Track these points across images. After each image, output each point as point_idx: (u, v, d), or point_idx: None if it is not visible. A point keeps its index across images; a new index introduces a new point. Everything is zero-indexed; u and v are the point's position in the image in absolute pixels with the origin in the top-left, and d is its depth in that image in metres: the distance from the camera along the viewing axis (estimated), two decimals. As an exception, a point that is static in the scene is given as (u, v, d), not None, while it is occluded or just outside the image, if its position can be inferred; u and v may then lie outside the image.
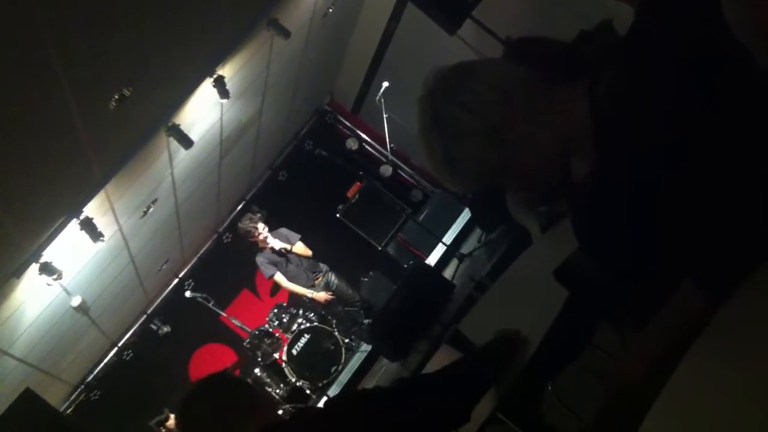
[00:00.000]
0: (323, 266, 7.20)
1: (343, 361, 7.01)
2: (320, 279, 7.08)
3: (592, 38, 2.55)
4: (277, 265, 6.95)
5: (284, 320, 6.99)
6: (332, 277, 7.15)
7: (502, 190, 2.70)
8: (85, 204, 3.82)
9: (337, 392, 6.74)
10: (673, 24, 1.49)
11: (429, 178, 7.83)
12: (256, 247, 7.01)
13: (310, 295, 7.01)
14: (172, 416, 6.87)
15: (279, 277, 6.96)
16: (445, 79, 1.62)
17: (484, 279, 4.82)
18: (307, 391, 6.95)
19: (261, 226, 6.91)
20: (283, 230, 7.11)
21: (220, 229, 7.93)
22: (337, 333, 7.01)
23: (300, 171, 8.14)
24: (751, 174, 1.43)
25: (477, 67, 1.64)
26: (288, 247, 6.96)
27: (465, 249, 6.56)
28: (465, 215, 6.94)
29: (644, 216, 1.55)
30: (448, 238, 6.87)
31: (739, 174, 1.45)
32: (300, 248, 7.07)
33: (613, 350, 2.33)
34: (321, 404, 6.47)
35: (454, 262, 6.52)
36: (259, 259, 6.95)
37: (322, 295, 7.04)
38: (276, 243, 6.93)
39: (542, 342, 2.32)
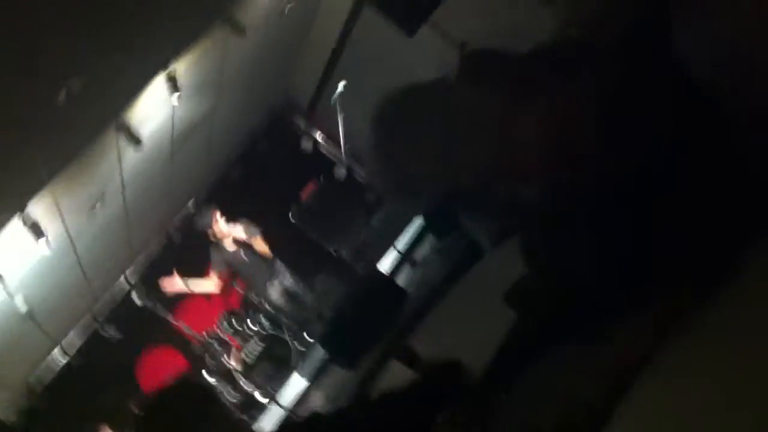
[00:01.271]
0: (280, 266, 7.07)
1: (296, 367, 6.94)
2: (275, 283, 6.97)
3: (548, 53, 2.51)
4: (231, 265, 6.84)
5: (236, 326, 6.88)
6: (287, 278, 7.04)
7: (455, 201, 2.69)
8: (28, 202, 3.68)
9: (290, 399, 6.66)
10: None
11: (383, 185, 7.77)
12: (208, 246, 6.88)
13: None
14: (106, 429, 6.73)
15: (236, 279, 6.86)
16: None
17: (437, 286, 4.82)
18: (260, 399, 6.85)
19: (219, 219, 6.77)
20: (243, 222, 6.97)
21: (171, 229, 7.76)
22: (289, 339, 6.92)
23: (254, 171, 8.00)
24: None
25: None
26: (245, 238, 6.81)
27: (418, 255, 6.54)
28: (419, 221, 6.93)
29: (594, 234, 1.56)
30: (402, 242, 6.84)
31: None
32: (258, 243, 6.92)
33: (564, 369, 2.33)
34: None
35: (407, 269, 6.49)
36: (214, 254, 6.83)
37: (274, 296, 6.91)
38: (235, 232, 6.77)
39: (494, 356, 2.33)
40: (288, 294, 7.01)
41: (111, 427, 6.74)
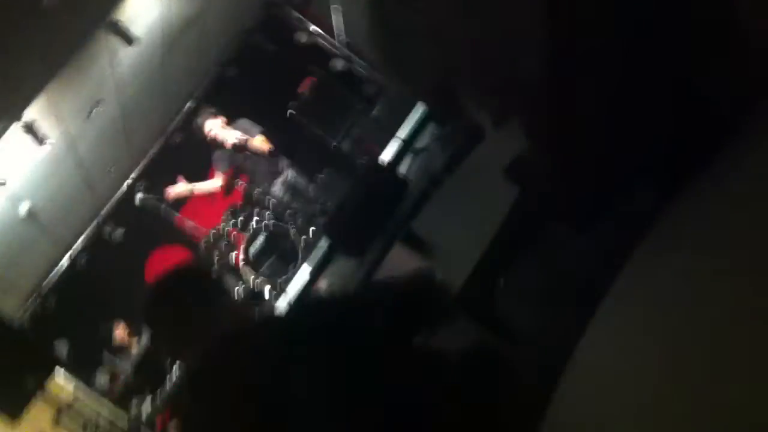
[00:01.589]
0: (282, 163, 7.03)
1: (300, 258, 7.00)
2: (280, 180, 6.96)
3: None
4: (234, 162, 6.82)
5: (239, 221, 6.91)
6: (290, 174, 7.02)
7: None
8: (25, 107, 3.64)
9: (295, 291, 6.76)
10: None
11: (383, 72, 7.62)
12: (209, 146, 6.82)
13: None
14: (120, 325, 6.88)
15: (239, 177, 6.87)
16: None
17: (438, 174, 4.81)
18: (266, 291, 6.96)
19: (218, 120, 6.70)
20: (244, 121, 6.88)
21: (170, 130, 7.68)
22: (292, 231, 6.96)
23: (249, 66, 7.81)
24: None
25: None
26: (246, 138, 6.75)
27: (419, 143, 6.49)
28: (419, 109, 6.84)
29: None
30: (403, 132, 6.77)
31: None
32: (259, 141, 6.85)
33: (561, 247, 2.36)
34: (282, 309, 6.52)
35: (408, 157, 6.45)
36: (216, 155, 6.80)
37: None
38: (235, 133, 6.71)
39: (494, 237, 2.34)
40: (291, 189, 7.01)
41: (126, 327, 6.91)
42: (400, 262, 3.73)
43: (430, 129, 6.43)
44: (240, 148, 6.72)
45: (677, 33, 1.64)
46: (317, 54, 7.72)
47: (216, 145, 6.75)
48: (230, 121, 6.77)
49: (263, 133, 6.87)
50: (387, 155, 6.83)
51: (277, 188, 6.94)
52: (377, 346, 1.84)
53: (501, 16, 1.59)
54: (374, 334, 1.87)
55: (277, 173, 6.94)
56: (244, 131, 6.77)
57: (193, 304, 2.00)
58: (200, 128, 6.70)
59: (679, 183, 1.90)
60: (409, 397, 1.71)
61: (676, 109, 1.76)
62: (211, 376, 1.84)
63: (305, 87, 6.94)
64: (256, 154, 6.84)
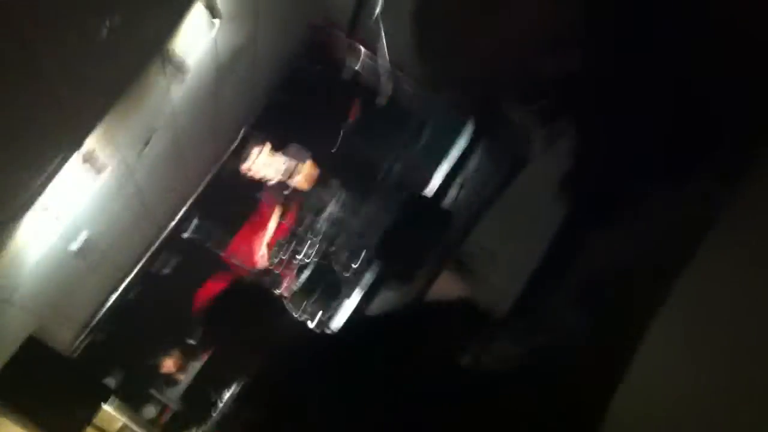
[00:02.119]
0: (328, 193, 7.06)
1: (343, 293, 7.01)
2: (328, 209, 6.98)
3: None
4: (281, 196, 6.88)
5: (284, 257, 6.96)
6: (337, 205, 7.03)
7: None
8: (85, 137, 3.67)
9: (339, 325, 6.76)
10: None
11: (430, 96, 7.60)
12: (258, 181, 6.88)
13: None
14: (168, 359, 6.90)
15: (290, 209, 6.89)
16: None
17: (485, 200, 4.78)
18: (310, 326, 6.95)
19: (264, 149, 6.74)
20: (293, 147, 6.92)
21: (222, 160, 7.74)
22: (336, 267, 6.98)
23: (299, 94, 7.86)
24: None
25: None
26: (294, 164, 6.77)
27: (467, 169, 6.45)
28: (467, 133, 6.82)
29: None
30: (450, 156, 6.75)
31: None
32: (308, 167, 6.89)
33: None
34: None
35: (457, 182, 6.42)
36: (265, 190, 6.87)
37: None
38: (280, 164, 6.74)
39: (545, 253, 2.31)
40: (338, 221, 7.01)
41: (176, 357, 6.93)
42: (448, 287, 3.69)
43: (478, 153, 6.41)
44: (284, 184, 6.78)
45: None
46: (366, 79, 7.75)
47: (262, 181, 6.80)
48: (279, 148, 6.81)
49: (312, 158, 6.91)
50: (435, 179, 6.82)
51: (324, 221, 6.96)
52: (426, 364, 1.83)
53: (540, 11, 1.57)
54: (422, 353, 1.86)
55: (324, 204, 6.96)
56: (294, 157, 6.81)
57: (253, 316, 2.03)
58: (247, 158, 6.75)
59: (736, 187, 1.85)
60: (461, 414, 1.70)
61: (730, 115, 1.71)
62: (268, 389, 1.86)
63: (353, 112, 6.97)
64: (302, 185, 6.89)
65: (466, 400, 1.76)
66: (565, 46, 1.63)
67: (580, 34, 1.58)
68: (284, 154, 6.71)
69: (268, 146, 6.70)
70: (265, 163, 6.63)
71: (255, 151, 6.64)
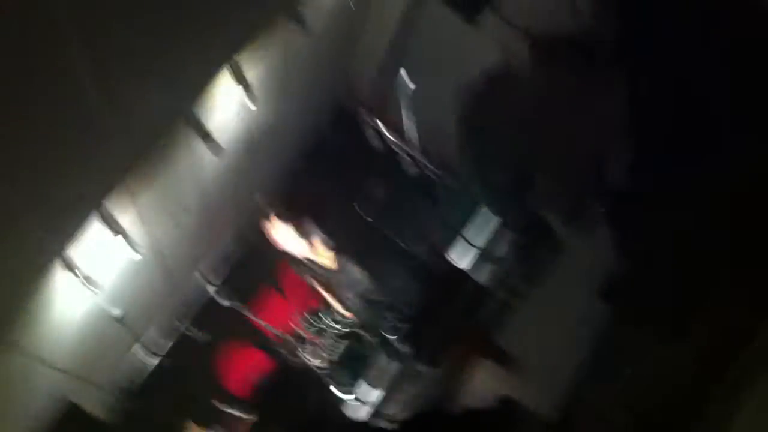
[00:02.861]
0: (349, 271, 7.10)
1: (376, 364, 6.98)
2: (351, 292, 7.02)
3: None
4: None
5: (315, 323, 6.98)
6: (359, 283, 7.06)
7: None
8: (107, 200, 3.77)
9: (372, 398, 6.71)
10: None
11: (458, 173, 7.71)
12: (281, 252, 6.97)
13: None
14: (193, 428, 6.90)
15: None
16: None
17: (516, 282, 4.78)
18: (341, 396, 6.91)
19: (280, 228, 6.85)
20: (306, 223, 7.01)
21: (248, 232, 7.88)
22: (368, 337, 6.98)
23: (322, 168, 8.01)
24: None
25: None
26: (306, 244, 6.86)
27: (495, 249, 6.47)
28: (495, 216, 6.86)
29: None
30: (478, 237, 6.77)
31: None
32: (319, 248, 6.97)
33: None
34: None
35: (484, 263, 6.44)
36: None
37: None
38: (294, 242, 6.84)
39: (586, 353, 2.28)
40: (362, 297, 7.03)
41: (198, 425, 6.93)
42: (481, 377, 3.68)
43: (506, 235, 6.42)
44: (309, 259, 6.88)
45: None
46: (390, 156, 7.91)
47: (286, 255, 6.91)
48: (300, 226, 6.93)
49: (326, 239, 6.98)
50: (461, 260, 6.83)
51: (348, 296, 6.99)
52: None
53: (581, 123, 1.64)
54: None
55: (344, 281, 7.00)
56: (305, 235, 6.91)
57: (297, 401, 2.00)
58: (267, 233, 6.88)
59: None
60: None
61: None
62: None
63: (376, 186, 7.08)
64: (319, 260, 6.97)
65: None
66: (605, 156, 1.67)
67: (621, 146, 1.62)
68: (296, 229, 6.80)
69: (290, 225, 6.80)
70: (285, 237, 6.72)
71: (274, 223, 6.73)
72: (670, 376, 2.05)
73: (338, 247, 6.94)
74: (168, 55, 3.38)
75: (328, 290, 6.98)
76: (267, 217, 6.93)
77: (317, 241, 6.85)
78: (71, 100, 2.89)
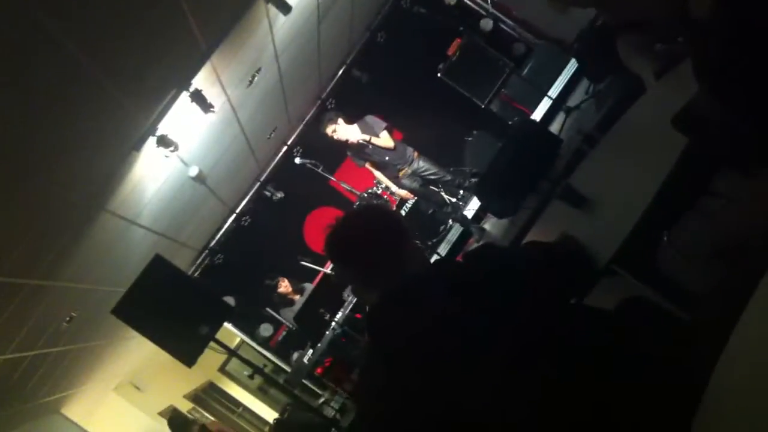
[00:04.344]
0: (410, 155, 7.15)
1: (450, 220, 7.11)
2: (405, 170, 7.08)
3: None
4: (364, 157, 7.06)
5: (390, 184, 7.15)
6: (420, 163, 7.12)
7: (613, 24, 2.54)
8: (193, 77, 3.90)
9: (445, 251, 6.88)
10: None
11: (532, 31, 7.49)
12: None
13: (394, 190, 7.08)
14: (284, 282, 7.27)
15: (369, 167, 7.17)
16: None
17: (593, 131, 4.67)
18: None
19: (337, 127, 6.91)
20: (369, 119, 7.05)
21: (323, 95, 7.96)
22: (443, 193, 7.09)
23: (398, 30, 7.92)
24: None
25: None
26: (367, 138, 6.94)
27: (572, 102, 6.37)
28: (571, 67, 6.69)
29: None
30: (554, 91, 6.67)
31: None
32: (383, 140, 7.01)
33: (734, 197, 2.21)
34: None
35: (560, 116, 6.35)
36: (350, 153, 7.08)
37: (402, 193, 7.15)
38: (356, 135, 6.93)
39: (658, 192, 2.23)
40: (419, 178, 7.13)
41: (290, 279, 7.32)
42: (557, 219, 3.64)
43: (583, 86, 6.29)
44: (365, 145, 6.96)
45: None
46: (466, 15, 7.72)
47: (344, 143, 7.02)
48: (354, 120, 7.00)
49: (387, 129, 7.03)
50: (538, 115, 6.77)
51: (407, 180, 7.11)
52: (531, 303, 1.81)
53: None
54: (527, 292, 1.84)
55: (404, 167, 7.09)
56: (368, 129, 6.96)
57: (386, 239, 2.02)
58: (324, 132, 6.96)
59: None
60: (565, 354, 1.68)
61: None
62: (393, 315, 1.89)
63: (454, 49, 6.96)
64: (382, 149, 7.04)
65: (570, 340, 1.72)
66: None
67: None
68: (359, 125, 6.85)
69: (340, 120, 6.83)
70: (344, 132, 6.81)
71: (330, 124, 6.80)
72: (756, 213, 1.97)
73: (397, 131, 7.08)
74: None
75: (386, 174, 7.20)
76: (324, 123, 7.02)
77: (367, 136, 6.98)
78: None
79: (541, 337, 1.71)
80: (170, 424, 7.10)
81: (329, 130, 6.90)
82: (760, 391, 1.22)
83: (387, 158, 7.08)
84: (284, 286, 7.31)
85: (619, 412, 1.59)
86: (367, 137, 6.94)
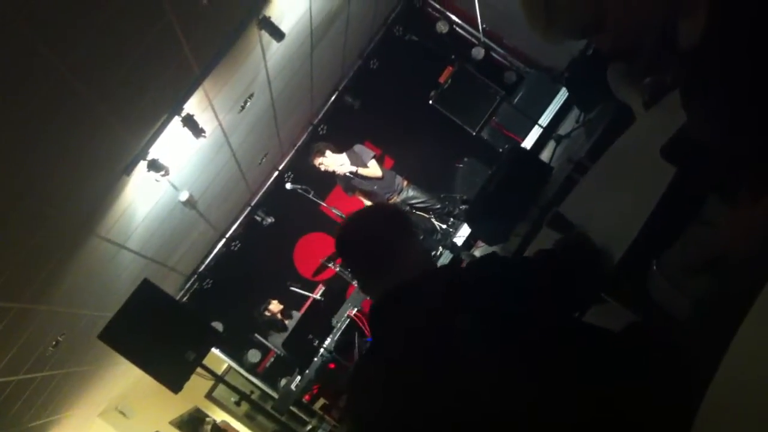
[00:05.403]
0: (399, 183, 7.20)
1: (440, 248, 7.10)
2: (394, 198, 7.11)
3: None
4: (352, 187, 7.11)
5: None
6: (409, 192, 7.17)
7: (601, 54, 2.56)
8: (185, 101, 3.91)
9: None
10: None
11: (523, 59, 7.58)
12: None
13: None
14: (274, 302, 7.24)
15: (358, 196, 7.22)
16: None
17: (583, 160, 4.69)
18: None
19: (323, 159, 6.94)
20: (358, 148, 7.11)
21: (315, 121, 7.99)
22: (433, 219, 7.10)
23: (391, 58, 8.00)
24: None
25: None
26: (354, 170, 6.99)
27: (562, 130, 6.40)
28: (561, 95, 6.74)
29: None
30: (545, 119, 6.71)
31: None
32: (371, 169, 7.06)
33: (721, 224, 2.21)
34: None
35: (551, 144, 6.39)
36: (339, 182, 7.12)
37: None
38: (343, 167, 6.98)
39: (647, 220, 2.25)
40: (412, 203, 7.18)
41: (279, 304, 7.29)
42: (547, 246, 3.63)
43: (573, 114, 6.33)
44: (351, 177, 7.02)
45: None
46: (457, 43, 7.80)
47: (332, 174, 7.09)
48: (343, 148, 7.06)
49: (376, 158, 7.09)
50: (529, 142, 6.80)
51: (413, 190, 7.18)
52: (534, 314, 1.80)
53: None
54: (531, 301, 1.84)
55: (393, 195, 7.14)
56: (357, 160, 7.00)
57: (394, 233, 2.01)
58: (311, 163, 7.02)
59: None
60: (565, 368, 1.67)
61: None
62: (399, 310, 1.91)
63: (446, 76, 7.01)
64: (370, 180, 7.10)
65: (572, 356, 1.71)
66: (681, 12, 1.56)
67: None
68: (347, 154, 6.91)
69: (328, 151, 6.88)
70: (332, 163, 6.86)
71: (318, 157, 6.86)
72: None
73: (387, 157, 7.15)
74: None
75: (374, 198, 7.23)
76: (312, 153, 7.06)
77: (355, 167, 7.03)
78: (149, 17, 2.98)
79: (540, 338, 1.72)
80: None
81: (316, 162, 6.94)
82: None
83: (375, 187, 7.11)
84: (274, 304, 7.29)
85: (619, 412, 1.60)
86: (354, 169, 6.98)
